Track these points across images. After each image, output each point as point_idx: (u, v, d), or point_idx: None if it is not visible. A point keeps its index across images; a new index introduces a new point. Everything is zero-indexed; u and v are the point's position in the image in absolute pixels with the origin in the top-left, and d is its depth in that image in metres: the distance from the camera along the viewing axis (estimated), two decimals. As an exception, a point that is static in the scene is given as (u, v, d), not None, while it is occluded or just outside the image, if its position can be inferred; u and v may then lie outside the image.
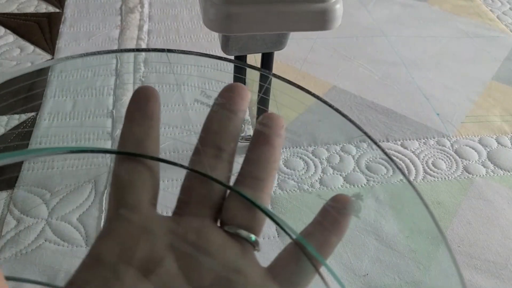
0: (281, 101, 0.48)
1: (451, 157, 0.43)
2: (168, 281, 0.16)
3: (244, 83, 0.36)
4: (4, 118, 0.44)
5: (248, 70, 0.35)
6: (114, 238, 0.16)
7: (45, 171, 0.39)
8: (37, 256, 0.33)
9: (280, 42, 0.32)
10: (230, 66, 0.51)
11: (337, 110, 0.18)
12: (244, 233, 0.17)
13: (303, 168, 0.41)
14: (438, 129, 0.46)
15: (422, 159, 0.43)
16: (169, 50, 0.20)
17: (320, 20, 0.28)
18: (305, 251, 0.17)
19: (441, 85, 0.53)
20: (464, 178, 0.41)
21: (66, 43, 0.55)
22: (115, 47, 0.54)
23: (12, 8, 0.61)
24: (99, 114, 0.45)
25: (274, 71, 0.35)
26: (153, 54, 0.53)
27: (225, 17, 0.27)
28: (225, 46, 0.31)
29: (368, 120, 0.47)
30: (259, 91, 0.37)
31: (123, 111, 0.45)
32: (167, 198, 0.38)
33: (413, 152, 0.43)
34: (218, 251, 0.17)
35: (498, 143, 0.45)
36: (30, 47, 0.54)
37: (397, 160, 0.42)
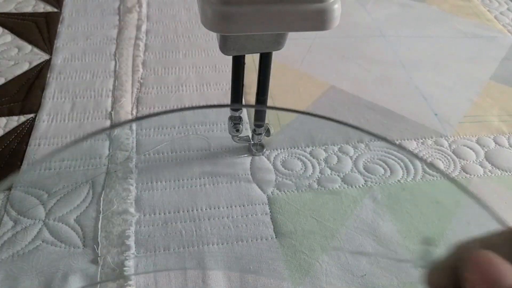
0: (279, 103, 0.48)
1: (449, 157, 0.43)
2: None
3: (243, 84, 0.36)
4: (3, 119, 0.44)
5: (247, 69, 0.35)
6: None
7: (42, 172, 0.39)
8: (34, 257, 0.33)
9: (278, 42, 0.32)
10: (228, 67, 0.51)
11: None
12: None
13: (301, 169, 0.41)
14: (436, 129, 0.46)
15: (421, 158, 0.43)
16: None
17: (318, 20, 0.28)
18: None
19: (439, 85, 0.53)
20: (462, 178, 0.41)
21: (64, 42, 0.55)
22: (113, 47, 0.54)
23: (10, 8, 0.61)
24: (98, 115, 0.45)
25: (273, 71, 0.35)
26: (151, 55, 0.53)
27: (223, 17, 0.27)
28: (223, 46, 0.31)
29: (366, 120, 0.47)
30: (257, 93, 0.37)
31: (122, 112, 0.45)
32: (166, 198, 0.38)
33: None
34: None
35: (496, 143, 0.45)
36: (28, 47, 0.54)
37: (396, 159, 0.42)
